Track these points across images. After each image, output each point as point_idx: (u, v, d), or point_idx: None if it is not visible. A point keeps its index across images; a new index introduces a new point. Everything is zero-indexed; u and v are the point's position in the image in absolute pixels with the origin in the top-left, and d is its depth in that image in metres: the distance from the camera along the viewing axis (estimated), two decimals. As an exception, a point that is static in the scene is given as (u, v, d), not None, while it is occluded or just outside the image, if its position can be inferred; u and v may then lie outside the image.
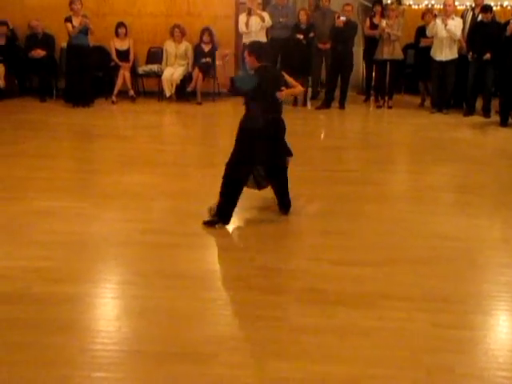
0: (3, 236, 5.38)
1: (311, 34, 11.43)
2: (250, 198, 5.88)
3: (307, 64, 11.63)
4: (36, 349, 3.70)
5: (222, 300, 4.36)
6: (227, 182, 5.56)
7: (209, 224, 5.59)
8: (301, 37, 11.33)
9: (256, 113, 5.51)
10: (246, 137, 5.53)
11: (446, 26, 10.62)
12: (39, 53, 11.69)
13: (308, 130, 10.00)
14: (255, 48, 5.62)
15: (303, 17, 11.39)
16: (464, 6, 11.70)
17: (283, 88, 5.60)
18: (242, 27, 11.41)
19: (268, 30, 11.76)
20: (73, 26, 10.89)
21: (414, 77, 11.97)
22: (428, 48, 11.02)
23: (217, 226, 5.58)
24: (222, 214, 5.59)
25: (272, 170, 5.77)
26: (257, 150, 5.52)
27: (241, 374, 3.51)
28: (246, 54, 5.63)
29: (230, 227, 5.63)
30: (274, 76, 5.68)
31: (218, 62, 5.62)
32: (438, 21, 10.73)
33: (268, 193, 6.01)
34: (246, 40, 11.45)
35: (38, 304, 4.22)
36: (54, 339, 3.80)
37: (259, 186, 5.85)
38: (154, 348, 3.75)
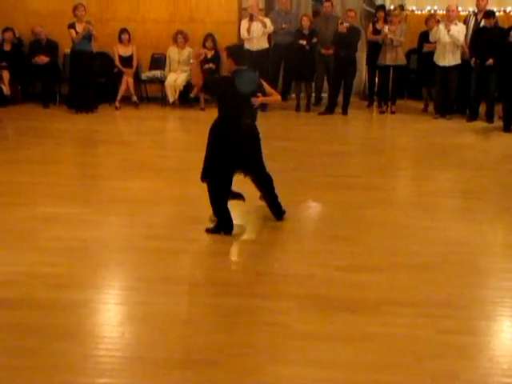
0: (7, 241, 5.38)
1: (314, 40, 11.44)
2: (253, 203, 5.87)
3: (310, 70, 11.63)
4: (39, 354, 3.70)
5: (224, 306, 4.35)
6: (210, 191, 5.57)
7: (211, 232, 5.58)
8: (303, 42, 11.33)
9: (226, 117, 5.48)
10: (215, 141, 5.51)
11: (448, 31, 10.62)
12: (43, 59, 11.70)
13: (311, 136, 9.98)
14: (233, 51, 5.60)
15: (306, 22, 11.39)
16: (467, 12, 11.69)
17: (259, 94, 5.54)
18: (243, 33, 11.42)
19: (271, 36, 11.78)
20: (76, 33, 10.90)
21: (418, 82, 11.97)
22: (431, 53, 11.02)
23: (222, 232, 5.59)
24: (221, 225, 5.59)
25: (253, 178, 5.73)
26: (228, 155, 5.48)
27: (243, 380, 3.51)
28: (224, 56, 5.62)
29: (233, 234, 5.62)
30: (250, 81, 5.61)
31: (191, 61, 5.61)
32: (441, 26, 10.73)
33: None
34: (247, 46, 11.48)
35: (41, 309, 4.23)
36: (58, 345, 3.81)
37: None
38: (156, 354, 3.75)
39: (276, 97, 5.91)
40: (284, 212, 5.88)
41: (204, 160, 5.58)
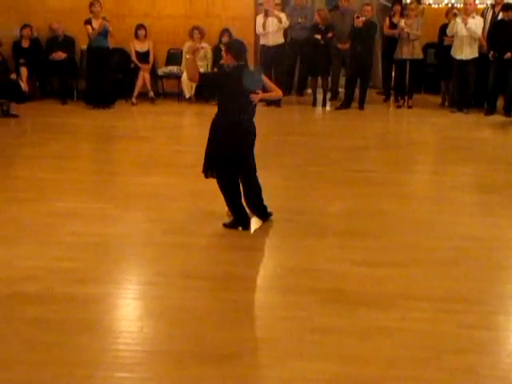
0: (27, 237, 5.43)
1: (329, 35, 11.41)
2: (271, 198, 5.87)
3: (326, 64, 11.61)
4: (59, 349, 3.73)
5: (243, 300, 4.36)
6: (220, 188, 5.57)
7: (228, 226, 5.60)
8: (319, 37, 11.31)
9: (224, 113, 5.45)
10: (214, 136, 5.48)
11: (466, 24, 10.55)
12: (60, 55, 11.77)
13: (327, 131, 9.98)
14: (232, 47, 5.52)
15: (321, 17, 11.37)
16: (484, 5, 11.63)
17: (258, 91, 5.46)
18: (259, 28, 11.43)
19: (287, 31, 11.76)
20: (92, 29, 10.97)
21: (436, 76, 11.90)
22: (450, 47, 10.95)
23: (240, 228, 5.61)
24: (238, 220, 5.61)
25: (242, 174, 5.60)
26: (226, 151, 5.44)
27: (263, 375, 3.52)
28: (223, 51, 5.56)
29: (252, 229, 5.63)
30: (253, 78, 5.50)
31: (187, 56, 5.51)
32: (458, 19, 10.67)
33: (286, 193, 6.01)
34: (263, 41, 11.49)
35: (61, 304, 4.25)
36: (77, 339, 3.83)
37: None
38: (175, 348, 3.77)
39: (277, 92, 5.76)
40: (270, 214, 5.81)
41: (204, 156, 5.57)
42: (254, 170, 5.63)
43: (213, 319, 4.11)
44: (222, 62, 5.46)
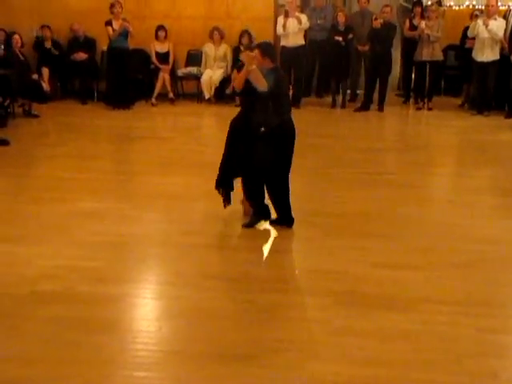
0: (48, 236, 5.48)
1: (350, 36, 11.40)
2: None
3: (345, 66, 11.59)
4: (79, 347, 3.76)
5: (261, 301, 4.36)
6: (252, 183, 5.60)
7: (248, 226, 5.62)
8: (340, 39, 11.30)
9: (271, 112, 5.44)
10: (266, 139, 5.50)
11: (486, 26, 10.48)
12: (81, 56, 11.86)
13: (346, 133, 9.96)
14: (269, 50, 5.52)
15: (341, 18, 11.36)
16: (506, 7, 11.53)
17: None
18: (279, 29, 11.43)
19: (306, 32, 11.76)
20: (113, 30, 11.04)
21: (457, 78, 11.82)
22: (472, 49, 10.90)
23: (256, 226, 5.61)
24: (260, 213, 5.64)
25: (274, 175, 5.62)
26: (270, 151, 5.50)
27: (281, 376, 3.52)
28: (258, 55, 5.40)
29: (270, 230, 5.64)
30: (285, 77, 5.66)
31: (253, 67, 5.43)
32: (479, 21, 10.60)
33: (305, 195, 6.00)
34: (283, 42, 11.49)
35: (81, 303, 4.29)
36: (97, 338, 3.86)
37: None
38: (193, 348, 3.78)
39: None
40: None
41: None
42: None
43: (231, 320, 4.13)
44: (248, 63, 5.36)
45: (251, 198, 5.67)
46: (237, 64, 11.21)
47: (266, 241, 5.49)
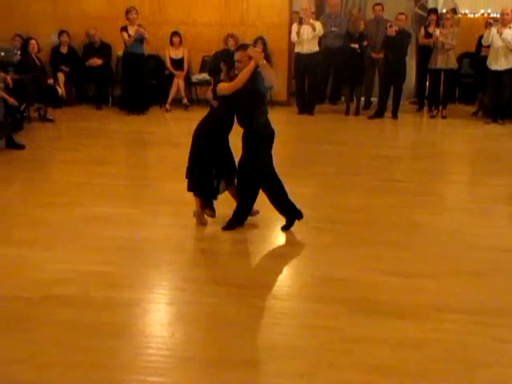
0: (62, 240, 5.51)
1: (365, 43, 11.41)
2: (302, 206, 5.87)
3: (359, 73, 11.60)
4: (93, 352, 3.77)
5: (274, 308, 4.37)
6: (250, 188, 5.64)
7: (287, 228, 5.71)
8: (356, 46, 11.31)
9: (266, 117, 5.56)
10: (267, 142, 5.59)
11: (500, 34, 10.46)
12: (96, 61, 11.94)
13: (360, 140, 9.95)
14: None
15: (361, 26, 11.37)
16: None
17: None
18: (293, 36, 11.46)
19: (320, 39, 11.77)
20: (129, 35, 11.10)
21: (471, 86, 11.78)
22: (486, 58, 10.88)
23: (296, 220, 5.73)
24: (292, 215, 5.70)
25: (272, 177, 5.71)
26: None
27: (292, 383, 3.52)
28: (246, 56, 5.37)
29: (282, 236, 5.65)
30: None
31: (264, 62, 5.40)
32: (494, 30, 10.58)
33: (318, 202, 6.00)
34: (297, 49, 11.51)
35: (94, 308, 4.31)
36: (111, 343, 3.88)
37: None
38: (206, 354, 3.79)
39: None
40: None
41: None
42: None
43: (243, 326, 4.13)
44: (258, 58, 5.34)
45: (245, 203, 5.70)
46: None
47: (280, 248, 5.50)
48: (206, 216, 5.83)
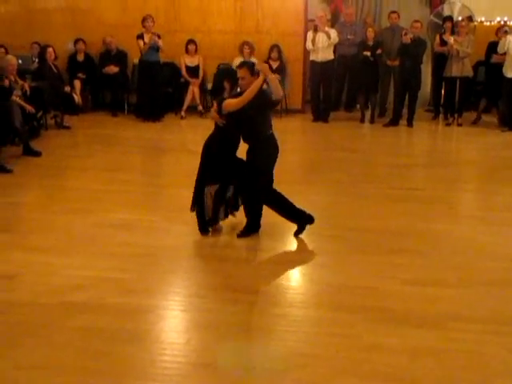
0: (79, 247, 5.55)
1: (378, 51, 11.41)
2: (317, 214, 5.87)
3: (374, 81, 11.60)
4: (109, 358, 3.79)
5: (290, 316, 4.36)
6: (272, 203, 5.72)
7: (298, 233, 5.75)
8: (368, 54, 11.31)
9: (271, 131, 5.67)
10: (274, 151, 5.69)
11: (516, 43, 10.44)
12: (112, 69, 12.01)
13: (375, 148, 9.94)
14: (253, 69, 5.53)
15: (370, 34, 11.38)
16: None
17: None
18: (308, 44, 11.48)
19: (336, 47, 11.79)
20: (144, 43, 11.18)
21: (482, 93, 11.72)
22: (498, 65, 10.84)
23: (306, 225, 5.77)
24: (302, 221, 5.74)
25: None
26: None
27: (309, 391, 3.52)
28: (247, 73, 5.46)
29: (296, 244, 5.65)
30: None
31: (274, 75, 5.53)
32: (510, 37, 10.54)
33: (333, 209, 6.00)
34: (312, 57, 11.53)
35: (110, 314, 4.33)
36: (126, 349, 3.89)
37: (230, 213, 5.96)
38: (222, 361, 3.78)
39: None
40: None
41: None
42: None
43: (259, 333, 4.14)
44: (268, 72, 5.46)
45: (254, 212, 5.74)
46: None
47: (297, 256, 5.50)
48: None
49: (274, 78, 5.43)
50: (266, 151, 5.62)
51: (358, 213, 6.52)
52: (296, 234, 5.77)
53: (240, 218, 5.90)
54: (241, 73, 5.49)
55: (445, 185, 7.71)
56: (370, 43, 11.37)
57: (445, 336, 4.06)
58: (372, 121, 11.62)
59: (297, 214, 5.77)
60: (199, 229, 5.80)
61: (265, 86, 5.47)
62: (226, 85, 5.70)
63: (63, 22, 12.37)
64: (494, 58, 11.04)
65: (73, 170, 8.42)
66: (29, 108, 9.14)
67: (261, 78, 5.37)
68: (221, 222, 5.92)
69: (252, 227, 5.77)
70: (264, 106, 5.54)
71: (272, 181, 5.76)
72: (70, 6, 12.44)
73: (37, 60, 11.17)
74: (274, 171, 5.75)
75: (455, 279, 4.93)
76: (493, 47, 11.10)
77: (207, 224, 5.80)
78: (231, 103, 5.45)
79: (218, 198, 5.71)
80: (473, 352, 3.88)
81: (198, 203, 5.74)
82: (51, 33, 12.08)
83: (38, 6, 12.49)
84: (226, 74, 6.09)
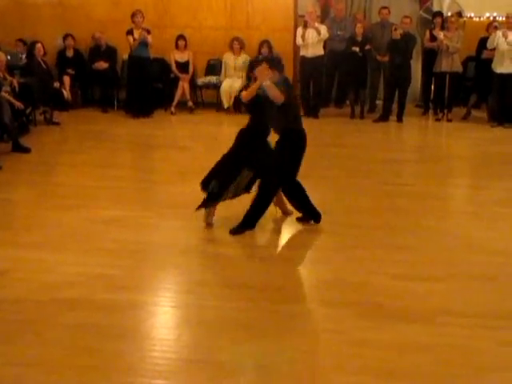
0: (70, 243, 5.53)
1: (367, 47, 11.42)
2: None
3: (363, 76, 11.61)
4: (100, 354, 3.78)
5: (281, 312, 4.36)
6: (289, 193, 5.74)
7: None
8: (357, 49, 11.32)
9: (299, 123, 5.85)
10: (298, 147, 5.80)
11: (506, 38, 10.45)
12: (102, 65, 11.96)
13: (365, 143, 9.94)
14: (274, 62, 5.74)
15: (359, 29, 11.40)
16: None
17: None
18: (298, 40, 11.48)
19: (326, 43, 11.78)
20: (134, 39, 11.13)
21: (473, 89, 11.74)
22: (488, 60, 10.88)
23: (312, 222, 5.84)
24: (311, 216, 5.80)
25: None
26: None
27: (301, 386, 3.53)
28: (263, 68, 5.59)
29: (290, 239, 5.66)
30: (293, 87, 6.02)
31: (268, 83, 5.64)
32: (499, 33, 10.58)
33: (324, 205, 6.02)
34: (302, 52, 11.53)
35: (101, 310, 4.32)
36: (117, 345, 3.88)
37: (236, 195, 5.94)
38: (212, 358, 3.78)
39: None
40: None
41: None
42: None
43: (251, 329, 4.13)
44: (255, 76, 5.60)
45: (261, 206, 5.73)
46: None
47: (289, 252, 5.50)
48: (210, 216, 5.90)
49: (270, 86, 5.51)
50: (288, 145, 5.70)
51: (349, 208, 6.53)
52: (298, 219, 5.91)
53: (232, 212, 5.89)
54: (262, 67, 5.65)
55: (435, 180, 7.73)
56: (359, 39, 11.38)
57: (435, 331, 4.08)
58: (362, 116, 11.60)
59: (310, 211, 5.89)
60: (201, 204, 5.82)
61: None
62: (252, 75, 5.89)
63: (52, 17, 12.28)
64: (485, 54, 11.07)
65: (63, 166, 8.39)
66: (18, 104, 9.11)
67: (257, 83, 5.58)
68: (213, 219, 5.90)
69: (248, 223, 5.74)
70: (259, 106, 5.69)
71: (293, 176, 5.79)
72: (60, 1, 12.37)
73: (23, 56, 11.11)
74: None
75: (445, 274, 4.95)
76: (484, 43, 11.11)
77: (211, 200, 5.82)
78: (242, 95, 5.86)
79: (230, 176, 5.75)
80: (463, 346, 3.90)
81: (223, 183, 5.75)
82: (40, 28, 12.01)
83: (28, 0, 12.41)
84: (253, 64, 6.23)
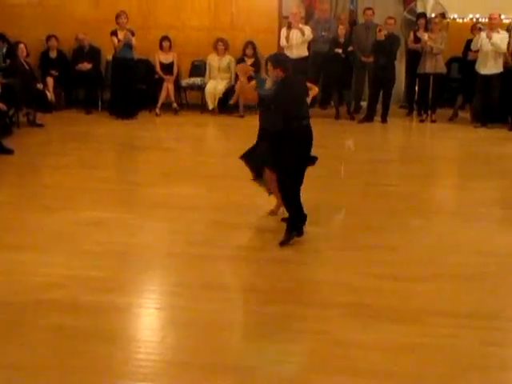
0: (52, 245, 5.49)
1: (350, 48, 11.46)
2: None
3: (347, 77, 11.63)
4: (84, 356, 3.76)
5: (265, 313, 4.35)
6: (283, 188, 5.69)
7: (285, 243, 5.54)
8: (339, 51, 11.35)
9: (299, 118, 5.78)
10: (293, 142, 5.74)
11: (490, 39, 10.52)
12: (86, 66, 11.89)
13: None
14: (278, 60, 5.69)
15: (342, 31, 11.43)
16: (510, 20, 11.57)
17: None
18: (282, 41, 11.48)
19: (310, 44, 11.80)
20: (118, 40, 11.08)
21: (458, 90, 11.80)
22: (474, 61, 10.93)
23: (291, 241, 5.57)
24: (296, 219, 5.62)
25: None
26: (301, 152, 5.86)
27: (285, 388, 3.52)
28: (269, 67, 5.63)
29: (273, 240, 5.64)
30: (303, 83, 5.89)
31: (241, 79, 5.73)
32: (483, 34, 10.64)
33: (308, 205, 6.01)
34: (287, 54, 11.50)
35: (85, 312, 4.29)
36: (101, 348, 3.86)
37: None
38: (196, 360, 3.77)
39: (315, 89, 6.20)
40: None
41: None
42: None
43: (235, 331, 4.13)
44: (265, 76, 5.70)
45: (289, 207, 5.69)
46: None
47: (271, 253, 5.48)
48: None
49: (241, 84, 5.74)
50: (289, 140, 5.68)
51: (333, 209, 6.54)
52: (283, 220, 5.79)
53: (223, 216, 5.87)
54: (269, 66, 5.71)
55: (419, 180, 7.76)
56: (342, 40, 11.41)
57: (420, 330, 4.08)
58: (352, 117, 11.59)
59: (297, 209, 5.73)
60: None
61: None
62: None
63: (35, 18, 12.19)
64: (470, 56, 11.13)
65: (47, 167, 8.33)
66: (0, 106, 9.02)
67: (240, 79, 5.74)
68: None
69: (290, 229, 5.58)
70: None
71: (298, 178, 5.71)
72: (42, 2, 12.29)
73: (4, 50, 11.03)
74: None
75: (429, 274, 4.96)
76: (469, 44, 11.17)
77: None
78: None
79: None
80: (448, 346, 3.91)
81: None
82: (22, 29, 11.90)
83: (10, 0, 12.32)
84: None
